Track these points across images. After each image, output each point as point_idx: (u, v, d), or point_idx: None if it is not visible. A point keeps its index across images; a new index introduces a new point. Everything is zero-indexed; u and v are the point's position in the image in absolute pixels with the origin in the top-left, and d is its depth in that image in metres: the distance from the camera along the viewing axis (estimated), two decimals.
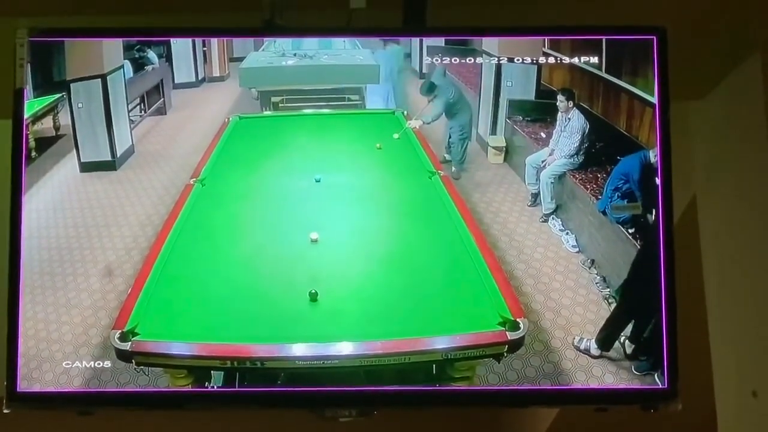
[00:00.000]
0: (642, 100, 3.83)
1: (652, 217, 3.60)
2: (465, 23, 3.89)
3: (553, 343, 3.72)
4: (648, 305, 3.55)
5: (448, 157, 4.83)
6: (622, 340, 3.67)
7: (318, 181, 4.68)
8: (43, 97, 4.10)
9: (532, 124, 4.58)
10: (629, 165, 3.79)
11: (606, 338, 3.66)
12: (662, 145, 3.57)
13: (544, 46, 3.86)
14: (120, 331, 3.46)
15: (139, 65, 4.80)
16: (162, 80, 5.15)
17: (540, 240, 4.27)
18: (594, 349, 3.66)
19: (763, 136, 3.80)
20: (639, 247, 3.69)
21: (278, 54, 4.99)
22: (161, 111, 5.23)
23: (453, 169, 4.73)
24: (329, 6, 3.84)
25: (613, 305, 3.76)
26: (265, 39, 4.72)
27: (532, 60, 3.89)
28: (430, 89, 4.72)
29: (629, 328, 3.67)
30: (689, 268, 3.92)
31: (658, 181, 3.57)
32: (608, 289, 3.87)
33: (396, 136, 4.90)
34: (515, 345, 3.45)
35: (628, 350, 3.66)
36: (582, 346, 3.68)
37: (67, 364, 3.56)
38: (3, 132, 3.63)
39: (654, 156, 3.68)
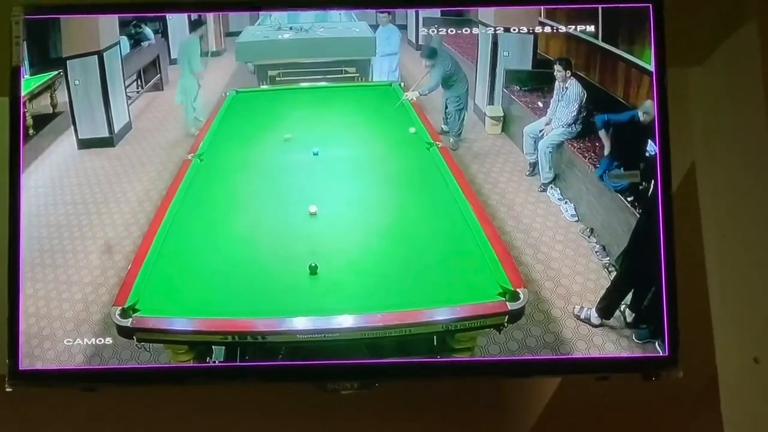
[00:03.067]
0: (639, 67, 3.82)
1: (650, 185, 3.60)
2: None
3: (553, 312, 3.72)
4: (648, 273, 3.55)
5: (445, 128, 4.82)
6: (622, 309, 3.68)
7: (316, 154, 4.68)
8: (39, 74, 4.09)
9: (530, 93, 4.57)
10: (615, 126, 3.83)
11: (606, 307, 3.67)
12: (660, 112, 3.57)
13: (541, 16, 3.85)
14: (121, 307, 3.48)
15: (135, 41, 4.78)
16: (158, 56, 5.14)
17: (539, 210, 4.27)
18: (594, 318, 3.67)
19: (760, 102, 3.79)
20: (638, 215, 3.69)
21: (274, 28, 4.98)
22: (158, 87, 5.22)
23: (450, 140, 4.73)
24: None
25: (613, 274, 3.77)
26: (260, 13, 4.70)
27: (529, 30, 3.88)
28: (431, 54, 4.70)
29: (629, 296, 3.68)
30: (689, 235, 3.91)
31: (656, 148, 3.57)
32: (608, 258, 3.88)
33: (408, 97, 4.89)
34: (515, 315, 3.47)
35: (629, 318, 3.66)
36: (582, 315, 3.69)
37: (69, 341, 3.58)
38: (0, 110, 3.63)
39: (643, 115, 3.69)
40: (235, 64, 5.20)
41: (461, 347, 3.57)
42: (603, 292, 3.70)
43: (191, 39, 4.68)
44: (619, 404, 4.30)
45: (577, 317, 3.69)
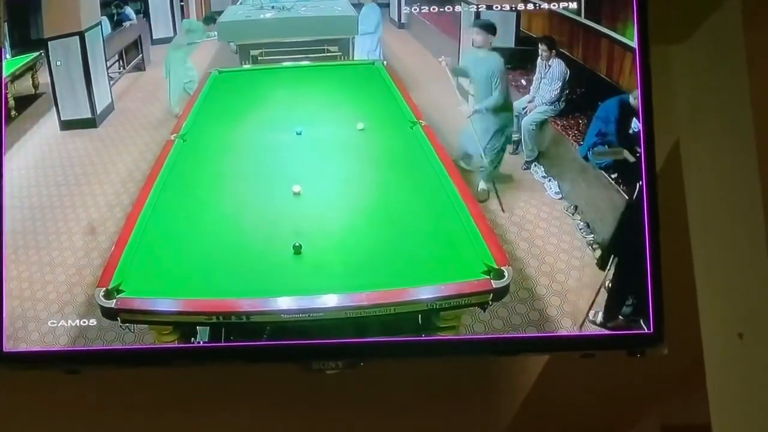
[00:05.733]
0: (622, 44, 3.82)
1: (634, 162, 3.60)
2: None
3: (537, 290, 3.72)
4: (632, 250, 3.55)
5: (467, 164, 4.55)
6: (607, 285, 3.68)
7: (299, 133, 4.67)
8: (21, 55, 4.08)
9: (513, 71, 4.56)
10: (608, 109, 3.79)
11: (611, 309, 3.66)
12: (643, 89, 3.57)
13: None
14: (104, 288, 3.47)
15: (116, 22, 4.76)
16: (140, 36, 5.12)
17: (523, 188, 4.27)
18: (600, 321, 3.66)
19: (744, 78, 3.79)
20: (622, 192, 3.69)
21: (256, 7, 4.96)
22: (140, 67, 5.20)
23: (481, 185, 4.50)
24: None
25: (597, 252, 3.76)
26: None
27: (511, 7, 3.87)
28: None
29: (611, 273, 3.67)
30: (674, 212, 3.92)
31: (640, 126, 3.57)
32: (592, 235, 3.88)
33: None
34: (500, 293, 3.47)
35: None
36: (598, 321, 3.67)
37: (53, 323, 3.56)
38: None
39: (634, 99, 3.68)
40: (217, 44, 5.18)
41: (446, 326, 3.57)
42: (595, 286, 3.70)
43: (197, 22, 4.67)
44: (605, 382, 4.31)
45: (593, 323, 3.67)
